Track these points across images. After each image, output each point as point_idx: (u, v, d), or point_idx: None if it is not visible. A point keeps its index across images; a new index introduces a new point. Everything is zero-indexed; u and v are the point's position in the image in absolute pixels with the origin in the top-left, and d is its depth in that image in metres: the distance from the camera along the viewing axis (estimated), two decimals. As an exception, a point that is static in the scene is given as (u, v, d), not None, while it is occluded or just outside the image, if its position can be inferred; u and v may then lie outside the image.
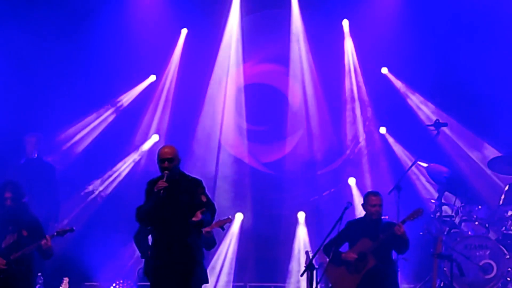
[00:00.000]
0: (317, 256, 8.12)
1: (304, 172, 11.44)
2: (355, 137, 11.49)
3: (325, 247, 7.96)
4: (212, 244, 8.04)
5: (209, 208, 6.99)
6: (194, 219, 6.82)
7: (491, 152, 10.70)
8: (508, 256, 9.27)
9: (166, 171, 6.66)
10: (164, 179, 6.64)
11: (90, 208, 10.89)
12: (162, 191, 6.75)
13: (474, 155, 11.15)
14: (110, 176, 11.22)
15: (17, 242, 7.78)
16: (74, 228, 8.40)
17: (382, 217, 8.45)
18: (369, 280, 7.97)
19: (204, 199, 6.92)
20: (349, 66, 11.53)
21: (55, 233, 7.98)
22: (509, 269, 9.30)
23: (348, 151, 11.68)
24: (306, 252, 8.89)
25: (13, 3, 10.97)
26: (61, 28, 10.92)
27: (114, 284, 10.11)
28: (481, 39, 10.86)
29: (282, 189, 11.33)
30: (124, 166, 11.21)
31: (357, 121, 11.52)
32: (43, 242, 7.77)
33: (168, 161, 6.70)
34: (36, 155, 9.89)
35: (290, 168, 11.44)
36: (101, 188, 11.19)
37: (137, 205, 6.78)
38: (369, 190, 9.53)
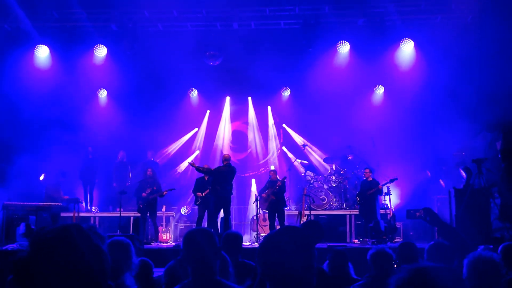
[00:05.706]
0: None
1: (253, 164, 16.38)
2: (273, 151, 16.43)
3: (259, 192, 12.84)
4: None
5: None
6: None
7: (325, 155, 16.01)
8: (331, 195, 14.36)
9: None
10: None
11: (172, 179, 15.65)
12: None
13: (319, 157, 16.31)
14: (179, 168, 16.28)
15: (151, 192, 12.80)
16: (175, 188, 13.54)
17: (279, 177, 12.72)
18: (270, 204, 12.35)
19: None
20: (271, 123, 16.74)
21: (168, 190, 13.01)
22: (333, 199, 14.42)
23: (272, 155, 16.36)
24: (255, 195, 13.53)
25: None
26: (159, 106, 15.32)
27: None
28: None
29: (246, 169, 16.32)
30: (184, 165, 16.17)
31: (273, 144, 16.51)
32: (164, 192, 12.82)
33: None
34: (151, 159, 15.53)
35: (249, 163, 16.46)
36: (178, 170, 16.16)
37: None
38: (276, 171, 13.75)
